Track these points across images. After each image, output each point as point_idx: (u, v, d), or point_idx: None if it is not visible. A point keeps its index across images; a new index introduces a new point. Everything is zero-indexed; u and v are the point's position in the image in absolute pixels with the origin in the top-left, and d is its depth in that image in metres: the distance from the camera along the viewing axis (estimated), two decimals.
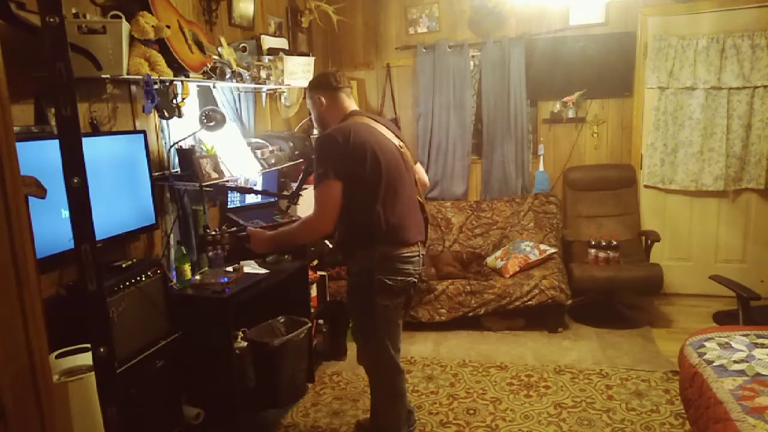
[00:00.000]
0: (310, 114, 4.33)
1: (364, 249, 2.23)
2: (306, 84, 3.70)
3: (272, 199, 3.51)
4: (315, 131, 4.10)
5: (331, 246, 3.41)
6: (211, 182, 2.66)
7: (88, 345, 1.36)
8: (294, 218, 3.34)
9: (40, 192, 1.41)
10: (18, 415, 0.99)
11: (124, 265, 2.19)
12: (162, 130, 2.76)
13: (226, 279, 2.57)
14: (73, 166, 1.11)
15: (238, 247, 2.41)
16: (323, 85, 2.36)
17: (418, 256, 2.31)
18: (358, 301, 2.31)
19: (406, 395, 2.55)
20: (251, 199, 3.34)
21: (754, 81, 4.04)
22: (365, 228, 2.21)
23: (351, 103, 2.39)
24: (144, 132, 2.51)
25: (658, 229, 4.28)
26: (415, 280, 2.33)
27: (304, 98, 4.26)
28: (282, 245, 2.49)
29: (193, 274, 2.64)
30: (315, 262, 3.54)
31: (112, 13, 2.30)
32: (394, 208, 2.21)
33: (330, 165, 2.12)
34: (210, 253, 2.58)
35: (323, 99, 2.35)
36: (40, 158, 1.89)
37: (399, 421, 2.44)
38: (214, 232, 2.36)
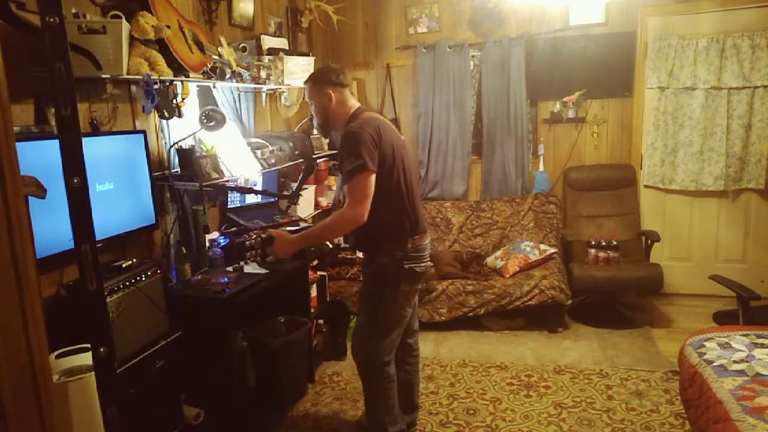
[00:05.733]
0: (310, 114, 4.37)
1: (395, 241, 2.31)
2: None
3: (272, 199, 3.50)
4: (315, 131, 4.11)
5: (331, 246, 3.41)
6: (211, 182, 2.66)
7: (88, 345, 1.36)
8: (294, 218, 3.34)
9: (40, 192, 1.41)
10: (18, 415, 0.99)
11: (124, 265, 2.19)
12: (162, 130, 2.75)
13: (226, 279, 2.57)
14: (73, 166, 1.11)
15: (265, 251, 2.35)
16: (333, 82, 2.35)
17: (429, 241, 2.47)
18: (380, 289, 2.36)
19: (414, 387, 2.65)
20: (251, 199, 3.34)
21: (754, 81, 4.04)
22: (396, 220, 2.30)
23: (354, 100, 2.42)
24: (144, 132, 2.51)
25: (658, 229, 4.28)
26: (431, 264, 2.47)
27: (305, 97, 4.29)
28: (311, 245, 2.46)
29: (193, 274, 2.64)
30: (315, 262, 3.54)
31: (112, 13, 2.30)
32: (413, 201, 2.36)
33: (367, 156, 2.14)
34: (246, 261, 2.50)
35: (333, 95, 2.35)
36: (40, 158, 1.89)
37: (392, 409, 2.46)
38: (248, 239, 2.30)
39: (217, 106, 3.07)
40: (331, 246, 3.42)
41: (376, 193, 2.18)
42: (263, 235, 2.32)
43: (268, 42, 3.61)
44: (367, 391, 2.48)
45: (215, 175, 2.69)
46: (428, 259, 2.43)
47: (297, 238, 2.31)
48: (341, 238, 2.66)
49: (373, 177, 2.17)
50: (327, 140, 4.02)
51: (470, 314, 3.83)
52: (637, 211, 4.42)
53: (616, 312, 4.02)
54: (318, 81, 2.39)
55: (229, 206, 3.21)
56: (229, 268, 2.75)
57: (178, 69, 2.51)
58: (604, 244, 3.95)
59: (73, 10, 2.19)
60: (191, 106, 2.90)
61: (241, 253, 2.27)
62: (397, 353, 2.47)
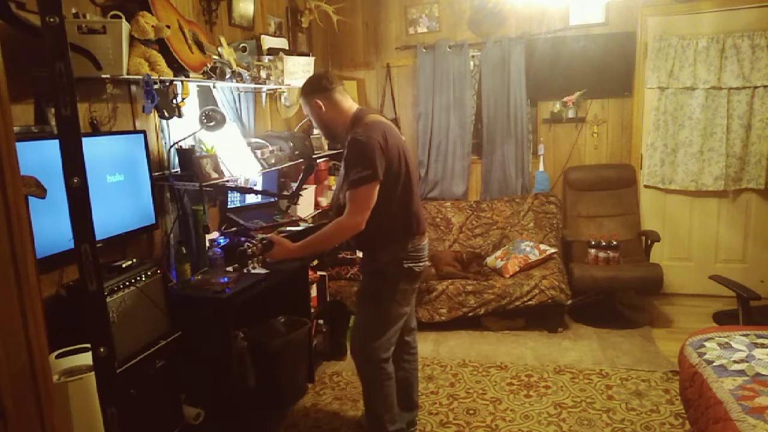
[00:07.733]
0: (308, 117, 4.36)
1: (397, 241, 2.34)
2: None
3: (272, 199, 3.50)
4: (315, 131, 4.11)
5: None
6: (211, 182, 2.66)
7: (88, 345, 1.36)
8: (294, 218, 3.35)
9: (40, 192, 1.41)
10: (18, 415, 0.99)
11: (124, 265, 2.19)
12: (162, 130, 2.75)
13: (226, 279, 2.57)
14: (73, 166, 1.11)
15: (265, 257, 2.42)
16: (318, 89, 2.33)
17: (427, 241, 2.50)
18: (379, 287, 2.38)
19: (413, 385, 2.67)
20: (251, 199, 3.34)
21: (754, 81, 4.04)
22: (399, 222, 2.33)
23: (351, 101, 2.40)
24: (144, 132, 2.51)
25: (658, 229, 4.28)
26: (429, 263, 2.53)
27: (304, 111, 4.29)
28: (311, 254, 2.48)
29: (193, 274, 2.64)
30: (315, 262, 3.54)
31: (112, 13, 2.29)
32: (415, 202, 2.39)
33: (376, 167, 2.16)
34: (249, 270, 2.64)
35: (321, 103, 2.33)
36: (40, 158, 1.89)
37: (391, 407, 2.46)
38: (250, 246, 2.31)
39: (217, 106, 3.07)
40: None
41: (382, 197, 2.20)
42: (264, 241, 2.35)
43: (268, 42, 3.61)
44: (365, 388, 2.49)
45: (215, 175, 2.70)
46: (426, 259, 2.45)
47: (296, 248, 2.33)
48: None
49: (378, 186, 2.19)
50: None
51: (470, 314, 3.83)
52: (637, 211, 4.42)
53: (616, 312, 4.02)
54: (305, 93, 2.38)
55: (229, 206, 3.21)
56: (229, 268, 2.75)
57: (178, 69, 2.51)
58: (604, 244, 3.95)
59: (73, 10, 2.19)
60: (191, 106, 2.90)
61: (244, 261, 2.35)
62: (395, 351, 2.48)
